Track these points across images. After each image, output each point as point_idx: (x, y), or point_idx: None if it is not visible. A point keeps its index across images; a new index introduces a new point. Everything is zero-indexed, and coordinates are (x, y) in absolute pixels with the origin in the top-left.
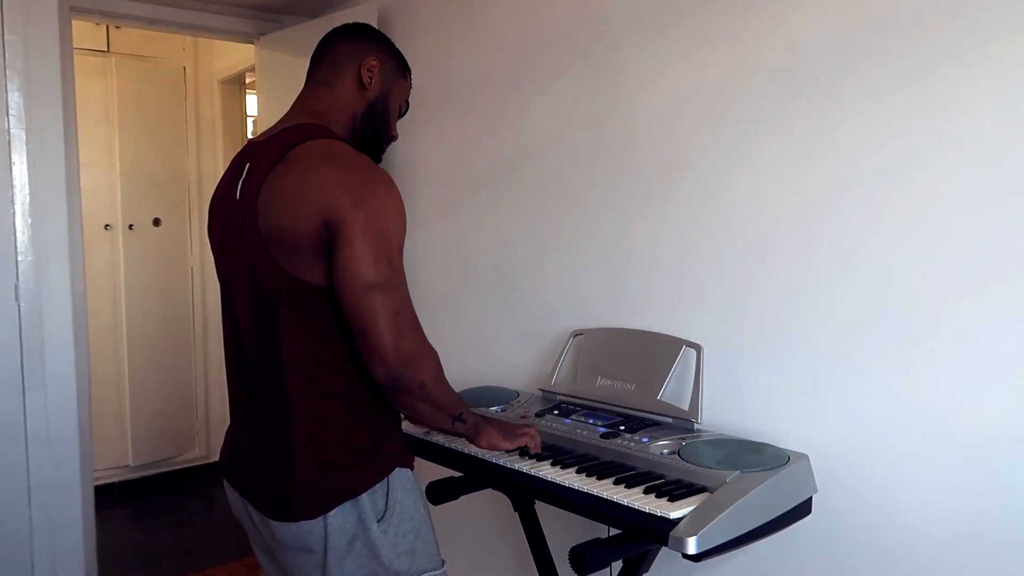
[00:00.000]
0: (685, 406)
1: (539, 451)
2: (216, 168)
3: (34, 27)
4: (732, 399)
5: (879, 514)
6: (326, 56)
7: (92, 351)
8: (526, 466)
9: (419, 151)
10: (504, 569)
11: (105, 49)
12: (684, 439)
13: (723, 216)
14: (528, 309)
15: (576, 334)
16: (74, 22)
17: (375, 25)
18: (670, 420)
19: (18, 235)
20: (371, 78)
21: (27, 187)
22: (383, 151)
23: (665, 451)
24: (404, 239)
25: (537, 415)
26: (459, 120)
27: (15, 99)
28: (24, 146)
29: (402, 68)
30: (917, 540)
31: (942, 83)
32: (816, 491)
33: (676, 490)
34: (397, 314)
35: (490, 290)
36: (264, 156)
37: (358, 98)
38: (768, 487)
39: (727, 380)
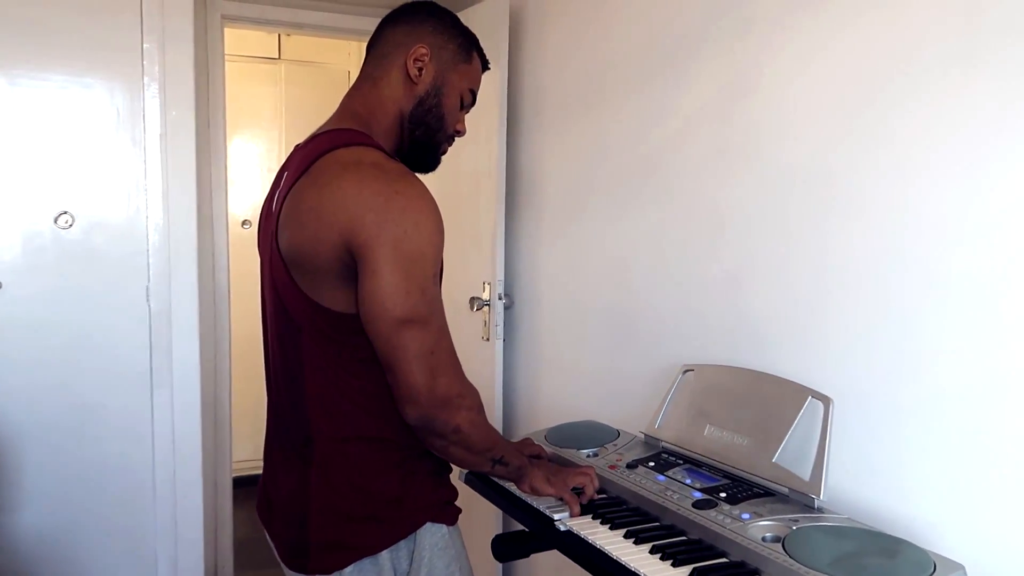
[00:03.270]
0: (806, 475)
1: (593, 498)
2: None
3: (170, 34)
4: (869, 470)
5: None
6: (375, 46)
7: (251, 346)
8: (595, 536)
9: (545, 157)
10: None
11: (276, 56)
12: (796, 521)
13: (874, 232)
14: (645, 335)
15: (687, 370)
16: (249, 32)
17: (505, 22)
18: (785, 491)
19: (150, 238)
20: (420, 69)
21: (159, 191)
22: (441, 153)
23: (768, 535)
24: (439, 264)
25: (628, 466)
26: (586, 122)
27: (152, 104)
28: (159, 153)
29: (465, 51)
30: None
31: None
32: None
33: None
34: (432, 352)
35: (609, 311)
36: (294, 166)
37: (406, 94)
38: None
39: (866, 444)
